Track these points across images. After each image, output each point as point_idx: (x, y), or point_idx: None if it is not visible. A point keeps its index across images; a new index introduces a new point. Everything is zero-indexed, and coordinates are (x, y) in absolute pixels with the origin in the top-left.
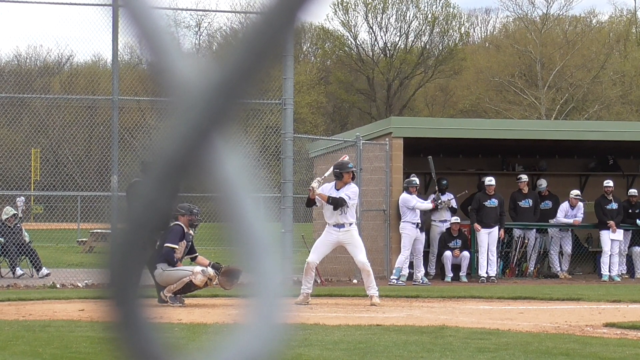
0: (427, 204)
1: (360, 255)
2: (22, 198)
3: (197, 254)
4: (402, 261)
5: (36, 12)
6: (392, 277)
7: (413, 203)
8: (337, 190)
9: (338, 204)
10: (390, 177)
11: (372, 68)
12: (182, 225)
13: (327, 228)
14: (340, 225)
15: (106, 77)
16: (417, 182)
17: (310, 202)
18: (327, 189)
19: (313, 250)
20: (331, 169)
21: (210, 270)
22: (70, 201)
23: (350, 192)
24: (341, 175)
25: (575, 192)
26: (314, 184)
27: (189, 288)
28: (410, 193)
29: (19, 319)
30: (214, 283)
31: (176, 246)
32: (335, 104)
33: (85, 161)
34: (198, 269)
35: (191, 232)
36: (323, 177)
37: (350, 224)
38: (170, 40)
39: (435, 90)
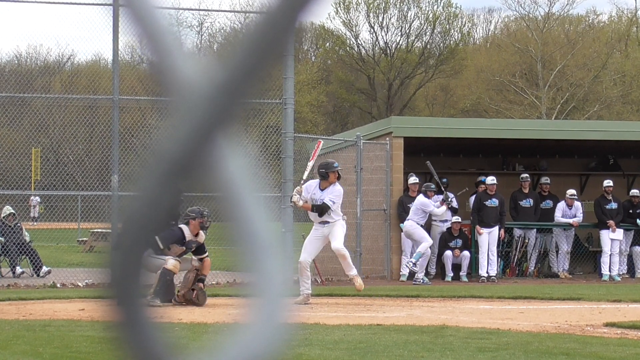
0: (442, 209)
1: (334, 241)
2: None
3: (205, 255)
4: (425, 247)
5: (36, 12)
6: (411, 259)
7: (430, 208)
8: (322, 190)
9: (323, 211)
10: (391, 176)
11: (372, 68)
12: (186, 230)
13: (314, 225)
14: (325, 222)
15: (107, 76)
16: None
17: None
18: (312, 187)
19: (303, 250)
20: (308, 168)
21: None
22: (70, 201)
23: (334, 195)
24: (327, 175)
25: (570, 191)
26: (295, 198)
27: (165, 277)
28: (427, 197)
29: (20, 319)
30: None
31: (178, 262)
32: (336, 103)
33: (86, 161)
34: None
35: (202, 233)
36: (301, 182)
37: (336, 220)
38: (171, 40)
39: (435, 90)
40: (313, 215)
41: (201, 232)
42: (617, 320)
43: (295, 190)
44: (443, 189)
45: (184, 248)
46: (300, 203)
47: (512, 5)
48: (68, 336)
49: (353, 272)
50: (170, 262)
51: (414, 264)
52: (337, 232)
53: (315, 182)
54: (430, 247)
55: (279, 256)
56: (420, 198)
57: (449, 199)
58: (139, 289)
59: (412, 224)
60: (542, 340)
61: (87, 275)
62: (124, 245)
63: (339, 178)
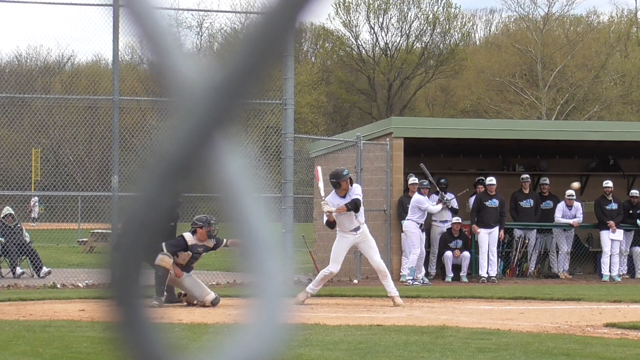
0: (438, 207)
1: (375, 256)
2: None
3: (225, 242)
4: (414, 260)
5: (37, 12)
6: (407, 277)
7: (426, 205)
8: (342, 197)
9: (357, 205)
10: (391, 177)
11: (372, 68)
12: (188, 236)
13: (341, 234)
14: (357, 229)
15: (107, 77)
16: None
17: (332, 225)
18: (335, 202)
19: (334, 260)
20: (322, 187)
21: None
22: (70, 201)
23: (357, 193)
24: (339, 184)
25: (569, 192)
26: (325, 208)
27: (157, 273)
28: (422, 194)
29: (20, 319)
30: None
31: (166, 256)
32: (336, 104)
33: (86, 161)
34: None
35: (211, 241)
36: (324, 196)
37: (363, 224)
38: (171, 41)
39: (435, 91)
40: (347, 223)
41: (209, 239)
42: (617, 321)
43: (323, 204)
44: (438, 190)
45: (190, 253)
46: (334, 209)
47: (512, 6)
48: (68, 337)
49: (393, 291)
50: (159, 257)
51: (413, 280)
52: (373, 244)
53: (332, 194)
54: (430, 248)
55: (279, 257)
56: (415, 196)
57: (445, 200)
58: (139, 289)
59: (411, 226)
60: (542, 340)
61: (87, 276)
62: (124, 246)
63: (351, 183)
